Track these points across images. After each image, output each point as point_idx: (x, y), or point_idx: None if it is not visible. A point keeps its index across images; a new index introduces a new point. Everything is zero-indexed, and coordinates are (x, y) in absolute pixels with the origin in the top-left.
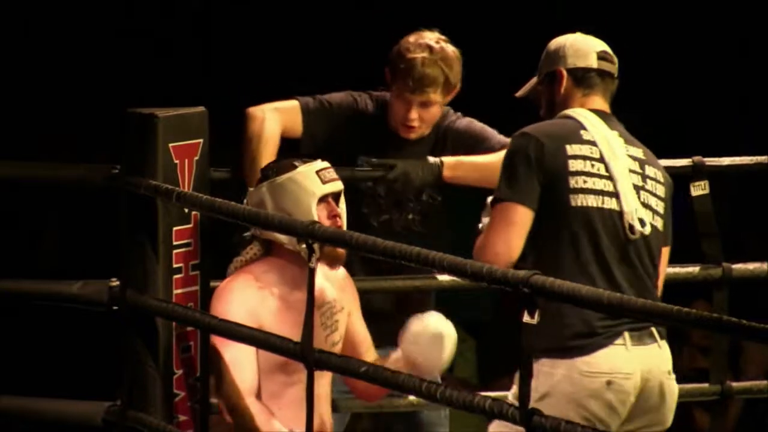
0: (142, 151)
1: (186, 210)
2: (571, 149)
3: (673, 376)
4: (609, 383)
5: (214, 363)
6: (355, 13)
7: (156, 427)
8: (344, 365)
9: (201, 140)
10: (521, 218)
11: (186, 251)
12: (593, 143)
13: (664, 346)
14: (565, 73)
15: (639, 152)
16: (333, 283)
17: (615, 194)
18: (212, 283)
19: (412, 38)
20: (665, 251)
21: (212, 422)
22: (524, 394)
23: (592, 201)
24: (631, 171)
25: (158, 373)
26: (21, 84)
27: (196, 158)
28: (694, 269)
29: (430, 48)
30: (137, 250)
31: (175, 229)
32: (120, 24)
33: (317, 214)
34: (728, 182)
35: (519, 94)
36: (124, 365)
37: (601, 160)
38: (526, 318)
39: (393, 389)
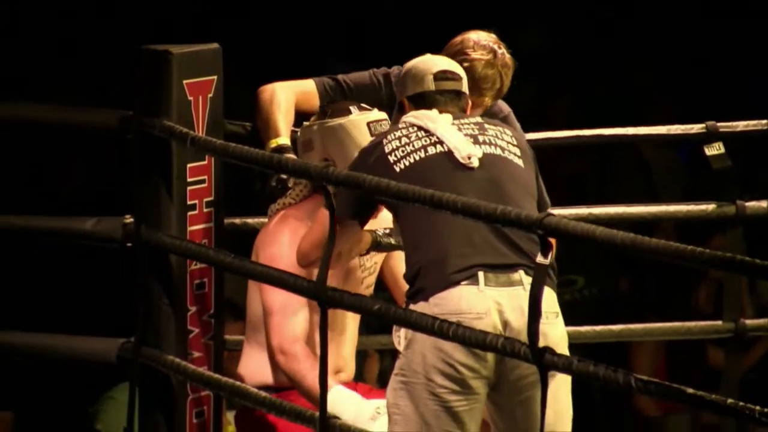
0: (156, 88)
1: None
2: (387, 139)
3: (549, 320)
4: (459, 324)
5: (264, 307)
6: None
7: (170, 363)
8: (357, 303)
9: (215, 77)
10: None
11: (200, 188)
12: (411, 125)
13: None
14: (406, 101)
15: (475, 119)
16: (373, 223)
17: (438, 142)
18: (229, 220)
19: (473, 37)
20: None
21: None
22: (532, 333)
23: (414, 157)
24: (461, 126)
25: (172, 309)
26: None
27: (210, 95)
28: (707, 207)
29: (493, 52)
30: (151, 187)
31: (189, 165)
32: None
33: None
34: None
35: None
36: (138, 302)
37: (419, 128)
38: (539, 259)
39: (406, 327)
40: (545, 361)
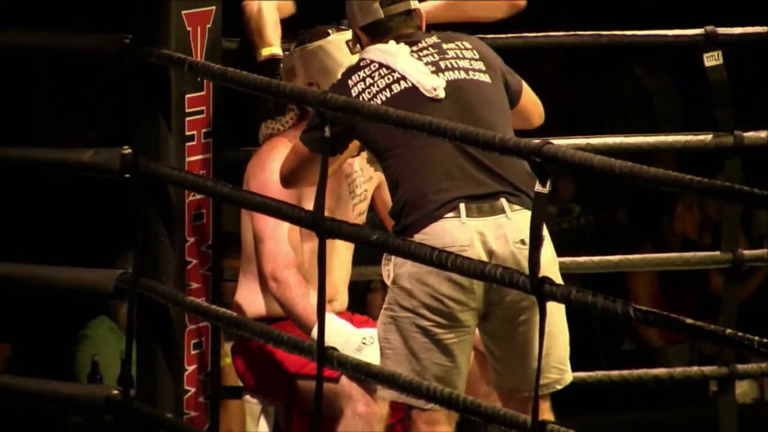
0: (154, 18)
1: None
2: (352, 81)
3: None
4: (457, 255)
5: (255, 233)
6: None
7: (167, 294)
8: (355, 233)
9: (213, 7)
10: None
11: (198, 119)
12: (371, 62)
13: (518, 216)
14: (359, 32)
15: (432, 40)
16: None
17: (401, 78)
18: (227, 151)
19: None
20: (522, 101)
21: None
22: (534, 262)
23: (381, 97)
24: (421, 54)
25: (170, 240)
26: None
27: (209, 26)
28: (705, 137)
29: None
30: (149, 118)
31: (187, 96)
32: None
33: None
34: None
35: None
36: (136, 233)
37: (380, 66)
38: (537, 188)
39: (404, 258)
40: (544, 291)
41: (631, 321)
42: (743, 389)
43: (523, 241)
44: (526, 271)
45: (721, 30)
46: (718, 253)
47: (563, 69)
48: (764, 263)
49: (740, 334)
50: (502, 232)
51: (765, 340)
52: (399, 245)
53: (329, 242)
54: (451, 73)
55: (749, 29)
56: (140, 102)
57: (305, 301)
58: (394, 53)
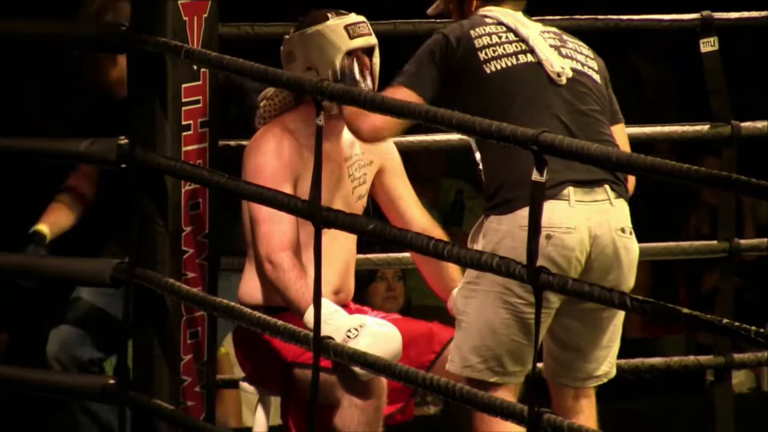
0: (151, 7)
1: (195, 67)
2: (475, 32)
3: (630, 235)
4: (548, 237)
5: (251, 217)
6: None
7: (164, 284)
8: (351, 223)
9: None
10: (407, 99)
11: (195, 108)
12: (499, 23)
13: (619, 204)
14: None
15: (553, 28)
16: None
17: (529, 50)
18: (224, 142)
19: None
20: (617, 128)
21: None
22: (531, 251)
23: (505, 62)
24: (545, 36)
25: (167, 230)
26: None
27: (205, 15)
28: (702, 127)
29: None
30: (146, 108)
31: (184, 86)
32: None
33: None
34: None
35: (430, 11)
36: (132, 223)
37: (509, 30)
38: (534, 176)
39: (401, 247)
40: (541, 280)
41: (628, 310)
42: (740, 379)
43: (623, 230)
44: (626, 258)
45: (718, 15)
46: (714, 242)
47: None
48: (760, 252)
49: (736, 324)
50: (605, 218)
51: (761, 329)
52: (396, 234)
53: (333, 233)
54: (570, 61)
55: (746, 14)
56: (136, 91)
57: (298, 285)
58: (526, 24)
